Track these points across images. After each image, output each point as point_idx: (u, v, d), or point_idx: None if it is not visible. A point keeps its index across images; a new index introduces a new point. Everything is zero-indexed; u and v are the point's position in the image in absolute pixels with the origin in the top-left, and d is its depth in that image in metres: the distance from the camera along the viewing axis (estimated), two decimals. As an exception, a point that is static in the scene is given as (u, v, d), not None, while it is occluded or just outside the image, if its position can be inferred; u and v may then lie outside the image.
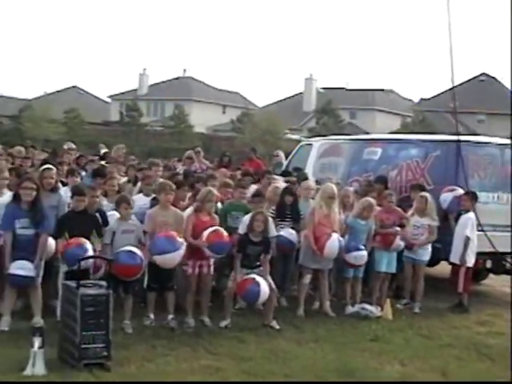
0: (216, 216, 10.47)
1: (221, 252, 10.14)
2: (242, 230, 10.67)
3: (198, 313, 10.24)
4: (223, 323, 10.11)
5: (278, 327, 10.15)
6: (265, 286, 9.91)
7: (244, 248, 10.22)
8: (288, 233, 11.36)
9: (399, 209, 12.15)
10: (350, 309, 11.42)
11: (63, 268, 9.45)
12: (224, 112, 73.78)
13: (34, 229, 9.29)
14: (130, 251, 9.44)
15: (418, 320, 11.27)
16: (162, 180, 11.20)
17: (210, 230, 10.04)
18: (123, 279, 9.44)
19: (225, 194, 11.76)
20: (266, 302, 10.16)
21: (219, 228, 10.24)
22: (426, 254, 12.18)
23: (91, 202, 9.97)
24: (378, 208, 12.04)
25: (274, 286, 10.29)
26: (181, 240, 9.67)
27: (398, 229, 11.80)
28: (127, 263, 9.36)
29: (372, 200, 11.74)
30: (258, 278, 9.94)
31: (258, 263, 10.26)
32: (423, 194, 12.25)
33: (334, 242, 10.95)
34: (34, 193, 9.31)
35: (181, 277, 10.21)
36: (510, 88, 48.51)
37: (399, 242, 11.76)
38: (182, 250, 9.64)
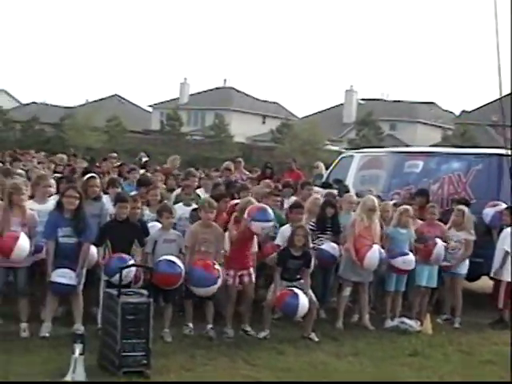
0: None
1: (268, 218, 10.01)
2: (279, 241, 10.71)
3: (238, 322, 10.24)
4: (262, 334, 10.09)
5: (316, 339, 10.11)
6: (304, 299, 9.87)
7: (284, 262, 10.22)
8: (330, 246, 11.30)
9: (441, 223, 12.04)
10: (389, 322, 11.33)
11: (105, 276, 9.53)
12: (264, 122, 73.84)
13: (76, 237, 9.38)
14: (170, 260, 9.50)
15: (458, 335, 11.14)
16: (203, 197, 11.10)
17: (250, 206, 10.06)
18: (163, 288, 9.50)
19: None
20: (306, 314, 10.11)
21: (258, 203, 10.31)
22: (463, 267, 12.02)
23: (133, 213, 10.02)
24: (420, 222, 11.98)
25: (314, 298, 10.27)
26: (218, 268, 9.69)
27: (439, 240, 11.68)
28: (167, 272, 9.43)
29: (408, 206, 11.71)
30: (297, 291, 9.93)
31: (299, 276, 10.26)
32: (460, 207, 12.13)
33: (375, 252, 10.89)
34: (77, 201, 9.39)
35: (221, 287, 10.21)
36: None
37: (439, 252, 11.58)
38: (219, 283, 9.69)
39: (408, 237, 11.48)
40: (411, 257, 11.29)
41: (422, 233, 11.74)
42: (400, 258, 11.23)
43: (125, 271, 8.78)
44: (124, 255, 9.40)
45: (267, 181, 14.03)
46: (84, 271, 9.51)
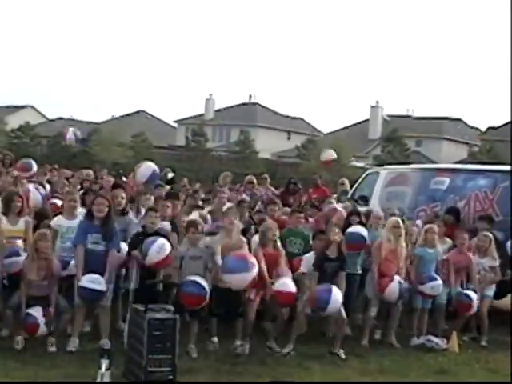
0: (282, 249, 10.42)
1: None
2: (304, 268, 10.69)
3: (264, 339, 10.21)
4: (286, 350, 10.04)
5: (343, 356, 10.05)
6: (337, 295, 9.84)
7: (321, 266, 10.27)
8: (358, 228, 11.44)
9: (470, 253, 11.87)
10: (415, 340, 11.26)
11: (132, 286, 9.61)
12: (289, 138, 73.74)
13: (104, 245, 9.51)
14: (195, 281, 9.50)
15: (484, 354, 11.05)
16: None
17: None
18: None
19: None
20: (336, 330, 10.07)
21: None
22: (490, 289, 11.96)
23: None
24: (449, 240, 12.01)
25: (344, 314, 10.24)
26: (253, 261, 9.61)
27: None
28: (191, 293, 9.42)
29: (433, 224, 11.71)
30: (332, 287, 9.90)
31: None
32: (486, 233, 11.98)
33: (395, 285, 10.86)
34: (106, 209, 9.57)
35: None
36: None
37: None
38: (254, 273, 9.53)
39: (435, 256, 11.44)
40: (439, 282, 11.23)
41: (454, 263, 11.63)
42: (429, 284, 11.17)
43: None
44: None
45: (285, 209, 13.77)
46: (113, 277, 9.65)
